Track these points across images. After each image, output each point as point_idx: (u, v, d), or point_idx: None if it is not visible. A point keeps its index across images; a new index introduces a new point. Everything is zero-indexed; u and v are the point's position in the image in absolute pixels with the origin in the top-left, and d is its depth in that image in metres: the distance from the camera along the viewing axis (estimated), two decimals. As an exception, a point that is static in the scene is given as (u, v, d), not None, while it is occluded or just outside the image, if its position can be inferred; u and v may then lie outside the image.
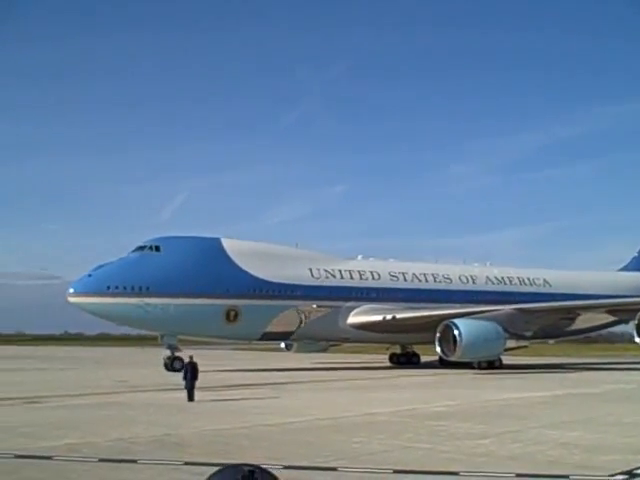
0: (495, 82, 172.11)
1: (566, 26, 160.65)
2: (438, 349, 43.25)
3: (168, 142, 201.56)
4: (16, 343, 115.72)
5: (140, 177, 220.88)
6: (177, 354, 41.86)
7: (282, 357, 55.68)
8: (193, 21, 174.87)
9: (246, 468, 0.98)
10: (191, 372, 24.79)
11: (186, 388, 24.47)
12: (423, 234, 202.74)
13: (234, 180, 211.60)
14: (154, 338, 44.95)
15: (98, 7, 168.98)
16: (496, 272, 54.70)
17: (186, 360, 26.05)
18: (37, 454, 12.88)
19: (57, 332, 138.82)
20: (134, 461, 12.29)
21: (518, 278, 54.99)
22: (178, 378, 26.43)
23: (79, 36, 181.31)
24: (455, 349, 42.12)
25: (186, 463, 12.06)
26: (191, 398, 24.17)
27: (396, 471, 11.42)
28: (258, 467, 1.01)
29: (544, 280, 55.76)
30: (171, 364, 41.22)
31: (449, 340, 42.54)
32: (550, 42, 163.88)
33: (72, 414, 20.22)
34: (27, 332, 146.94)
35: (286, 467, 11.47)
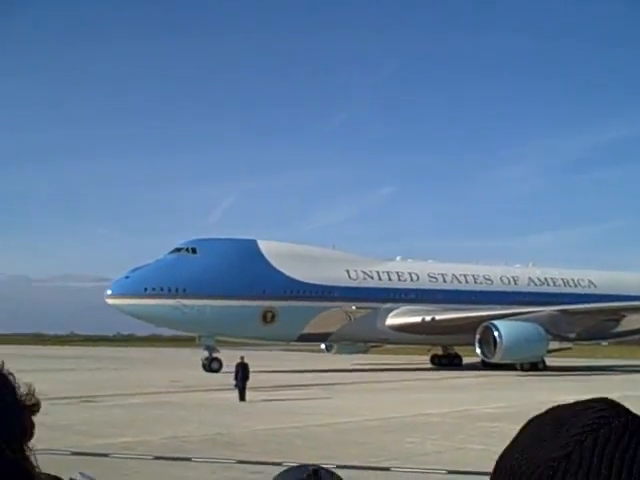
0: (550, 81, 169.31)
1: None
2: (478, 351, 43.24)
3: (216, 144, 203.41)
4: (69, 344, 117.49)
5: (190, 180, 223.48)
6: (215, 355, 42.51)
7: (323, 358, 55.70)
8: (242, 21, 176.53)
9: (311, 467, 1.14)
10: (242, 372, 25.28)
11: (237, 388, 24.93)
12: (472, 236, 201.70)
13: (282, 183, 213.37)
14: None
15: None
16: (539, 273, 54.31)
17: (237, 361, 26.45)
18: (94, 451, 13.26)
19: (109, 333, 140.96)
20: (188, 459, 12.54)
21: (562, 279, 54.50)
22: (229, 378, 26.81)
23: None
24: (495, 351, 42.10)
25: (239, 462, 12.26)
26: (242, 398, 24.58)
27: (450, 472, 11.48)
28: (323, 468, 1.19)
29: (589, 281, 55.18)
30: (209, 365, 41.89)
31: (489, 342, 42.47)
32: (607, 45, 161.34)
33: (127, 413, 20.63)
34: (80, 333, 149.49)
35: (339, 467, 11.49)
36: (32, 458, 0.88)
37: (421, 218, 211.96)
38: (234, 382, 25.52)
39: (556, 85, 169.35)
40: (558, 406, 0.96)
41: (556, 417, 0.92)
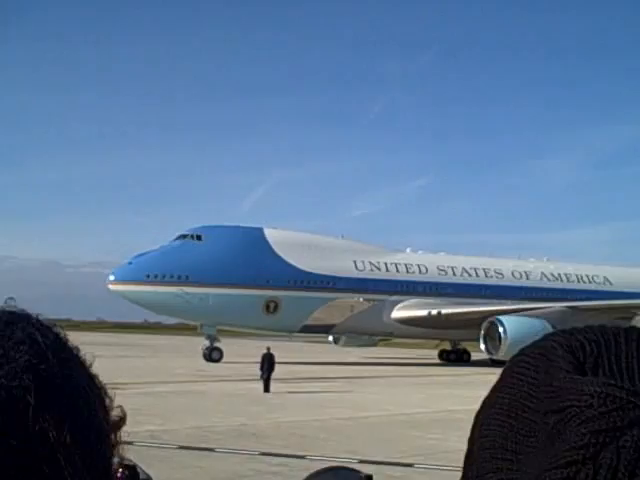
0: (592, 70, 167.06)
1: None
2: (482, 346, 43.58)
3: (251, 133, 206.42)
4: (97, 330, 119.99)
5: (225, 168, 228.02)
6: (216, 344, 43.16)
7: (331, 351, 56.01)
8: (279, 10, 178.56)
9: (363, 475, 1.10)
10: (268, 363, 25.99)
11: (262, 379, 25.61)
12: (506, 230, 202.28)
13: (316, 173, 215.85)
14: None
15: None
16: (552, 268, 54.23)
17: (264, 351, 27.12)
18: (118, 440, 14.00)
19: (137, 320, 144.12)
20: (212, 449, 13.07)
21: (576, 275, 54.39)
22: (253, 369, 27.53)
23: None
24: (500, 347, 42.31)
25: (263, 453, 12.77)
26: (267, 389, 25.24)
27: None
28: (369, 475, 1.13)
29: (604, 277, 54.97)
30: (209, 354, 42.35)
31: (494, 337, 42.76)
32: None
33: (152, 401, 21.23)
34: (108, 320, 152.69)
35: (362, 461, 11.93)
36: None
37: (454, 211, 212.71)
38: (260, 373, 26.13)
39: (596, 78, 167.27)
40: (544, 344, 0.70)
41: (548, 386, 0.64)
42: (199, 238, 45.42)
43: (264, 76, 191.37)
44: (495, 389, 0.74)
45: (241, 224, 48.28)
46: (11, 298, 0.87)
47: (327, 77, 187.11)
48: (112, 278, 43.97)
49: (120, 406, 0.88)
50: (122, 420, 0.88)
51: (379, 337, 52.40)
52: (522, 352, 0.73)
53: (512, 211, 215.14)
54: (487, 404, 0.75)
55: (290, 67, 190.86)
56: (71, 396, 0.77)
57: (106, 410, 0.85)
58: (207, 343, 43.40)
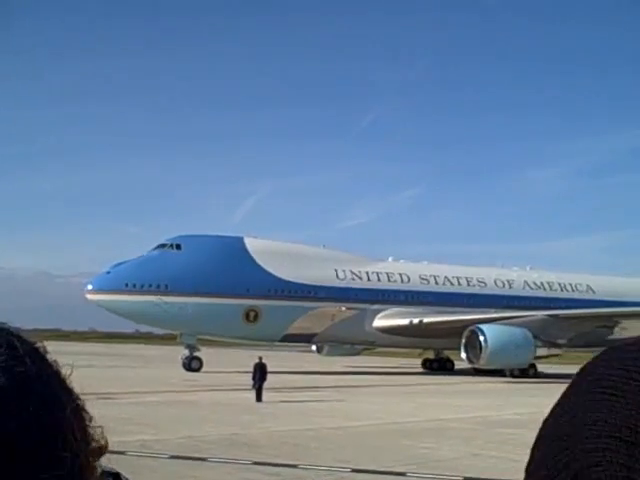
0: (580, 81, 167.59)
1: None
2: (463, 355, 43.67)
3: (243, 145, 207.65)
4: (89, 340, 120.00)
5: (223, 179, 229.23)
6: (195, 354, 43.02)
7: (317, 360, 55.56)
8: (272, 21, 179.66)
9: None
10: (260, 372, 26.06)
11: (254, 388, 25.68)
12: (502, 240, 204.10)
13: (309, 183, 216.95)
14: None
15: None
16: (535, 277, 54.43)
17: (256, 361, 27.14)
18: (110, 449, 13.99)
19: (128, 330, 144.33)
20: (204, 459, 13.05)
21: (559, 283, 54.62)
22: (245, 378, 27.65)
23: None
24: (481, 355, 42.45)
25: (255, 463, 12.73)
26: (259, 398, 25.27)
27: (466, 478, 11.77)
28: None
29: (587, 286, 55.07)
30: (189, 364, 42.24)
31: (475, 346, 42.84)
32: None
33: (144, 411, 21.20)
34: (100, 330, 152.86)
35: (354, 470, 12.04)
36: None
37: (450, 220, 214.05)
38: (252, 382, 26.21)
39: (592, 86, 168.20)
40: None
41: None
42: (178, 247, 45.38)
43: (260, 87, 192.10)
44: (574, 407, 0.65)
45: (233, 234, 48.25)
46: None
47: (320, 87, 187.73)
48: (90, 287, 43.88)
49: (102, 431, 0.87)
50: (103, 448, 0.88)
51: (362, 346, 52.40)
52: (604, 364, 0.63)
53: (509, 220, 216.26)
54: (570, 424, 0.64)
55: (284, 78, 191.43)
56: (47, 401, 0.79)
57: (84, 424, 0.86)
58: (186, 352, 43.22)
